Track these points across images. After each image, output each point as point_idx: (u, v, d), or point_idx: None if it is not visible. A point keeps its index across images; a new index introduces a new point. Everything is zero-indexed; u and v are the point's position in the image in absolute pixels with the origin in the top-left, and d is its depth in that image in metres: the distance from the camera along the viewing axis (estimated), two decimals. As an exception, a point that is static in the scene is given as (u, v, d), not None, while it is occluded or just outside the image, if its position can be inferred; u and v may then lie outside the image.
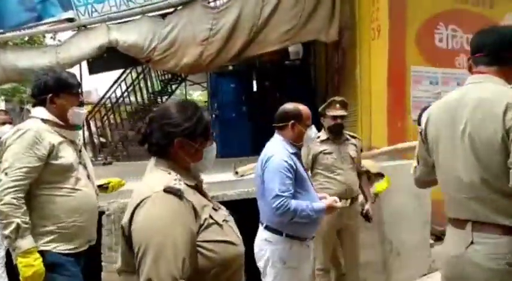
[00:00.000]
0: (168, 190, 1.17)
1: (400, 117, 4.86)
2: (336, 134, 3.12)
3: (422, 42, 4.95)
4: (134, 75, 9.84)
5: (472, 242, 1.49)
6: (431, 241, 4.44)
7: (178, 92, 17.58)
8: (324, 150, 3.11)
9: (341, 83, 6.04)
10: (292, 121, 2.32)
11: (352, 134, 3.35)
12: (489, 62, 1.58)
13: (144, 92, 9.83)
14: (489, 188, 1.47)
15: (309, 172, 3.18)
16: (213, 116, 8.80)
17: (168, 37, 4.74)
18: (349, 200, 3.04)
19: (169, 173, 1.26)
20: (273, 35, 4.79)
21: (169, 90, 9.87)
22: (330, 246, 3.13)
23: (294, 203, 2.12)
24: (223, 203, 3.86)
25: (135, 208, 1.17)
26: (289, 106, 2.41)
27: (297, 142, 2.37)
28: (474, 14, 5.34)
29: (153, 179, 1.26)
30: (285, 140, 2.35)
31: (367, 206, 3.24)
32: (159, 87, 9.77)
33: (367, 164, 3.35)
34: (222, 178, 4.06)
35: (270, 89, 8.08)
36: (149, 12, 4.95)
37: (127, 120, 9.47)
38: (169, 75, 9.32)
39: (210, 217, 1.25)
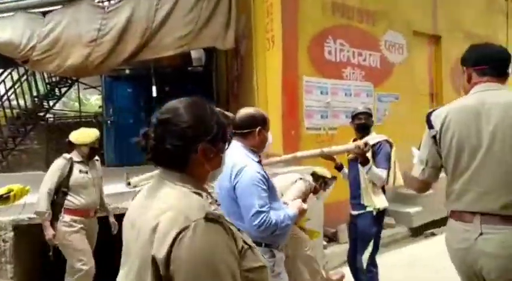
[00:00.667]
0: (211, 217, 0.96)
1: (295, 125, 5.03)
2: None
3: (313, 54, 5.19)
4: (16, 76, 8.84)
5: (482, 234, 1.69)
6: (325, 243, 4.65)
7: (73, 96, 16.36)
8: None
9: (240, 91, 6.09)
10: (259, 127, 2.09)
11: None
12: (495, 73, 1.82)
13: (28, 95, 8.88)
14: (504, 174, 1.69)
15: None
16: (108, 122, 8.32)
17: (49, 36, 4.31)
18: None
19: (198, 194, 1.05)
20: (168, 40, 4.64)
21: (58, 94, 9.04)
22: None
23: (273, 216, 1.91)
24: (115, 216, 3.60)
25: (173, 242, 0.92)
26: (252, 111, 2.17)
27: (259, 149, 2.14)
28: (359, 29, 5.77)
29: (178, 200, 1.01)
30: (245, 147, 2.08)
31: None
32: (45, 91, 8.90)
33: (319, 170, 3.26)
34: (113, 190, 3.81)
35: (170, 95, 7.79)
36: (27, 9, 4.45)
37: (6, 126, 8.45)
38: (57, 78, 8.54)
39: (244, 241, 1.05)
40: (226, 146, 1.19)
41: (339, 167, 3.43)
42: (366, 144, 2.98)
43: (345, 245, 3.95)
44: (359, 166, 3.08)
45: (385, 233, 5.22)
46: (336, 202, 4.25)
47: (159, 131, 1.07)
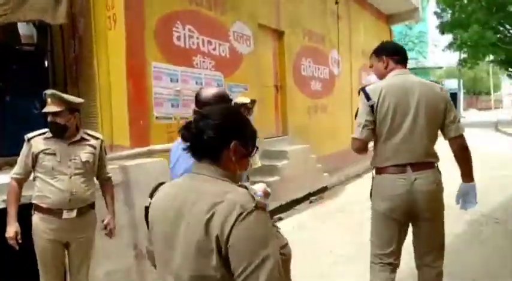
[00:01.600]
0: (260, 206, 1.13)
1: (143, 114, 4.65)
2: (56, 135, 2.56)
3: (161, 38, 4.87)
4: None
5: (416, 179, 2.29)
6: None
7: None
8: (46, 149, 2.53)
9: (79, 74, 5.37)
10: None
11: (92, 133, 2.81)
12: (404, 61, 2.52)
13: None
14: (427, 136, 2.32)
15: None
16: None
17: None
18: (75, 211, 2.55)
19: (241, 186, 1.20)
20: (-21, 9, 3.74)
21: None
22: (54, 264, 2.59)
23: None
24: None
25: (234, 224, 1.09)
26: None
27: None
28: (208, 17, 5.67)
29: (228, 192, 1.15)
30: None
31: (106, 220, 2.80)
32: None
33: (238, 99, 2.90)
34: None
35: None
36: None
37: None
38: None
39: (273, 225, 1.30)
40: (254, 153, 1.34)
41: None
42: None
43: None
44: None
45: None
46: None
47: (200, 125, 1.23)
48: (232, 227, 1.08)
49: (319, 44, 8.73)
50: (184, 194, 1.21)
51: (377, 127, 2.35)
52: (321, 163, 7.40)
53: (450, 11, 22.69)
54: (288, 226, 5.21)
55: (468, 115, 32.39)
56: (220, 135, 1.23)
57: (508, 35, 22.09)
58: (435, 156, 2.39)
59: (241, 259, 1.08)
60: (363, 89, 2.43)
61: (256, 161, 3.32)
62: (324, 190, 7.24)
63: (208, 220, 1.11)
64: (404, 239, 2.44)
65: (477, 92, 50.95)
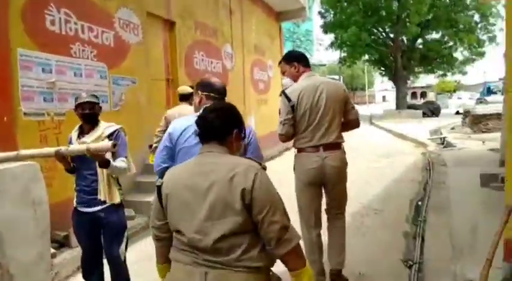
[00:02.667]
0: (263, 167, 1.60)
1: (7, 110, 3.96)
2: None
3: (30, 22, 4.20)
4: None
5: (326, 157, 3.02)
6: (53, 250, 3.89)
7: None
8: None
9: None
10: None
11: None
12: (309, 65, 3.21)
13: None
14: (334, 124, 3.05)
15: None
16: None
17: None
18: None
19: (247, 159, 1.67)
20: None
21: None
22: None
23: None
24: None
25: (254, 180, 1.51)
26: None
27: None
28: (88, 1, 5.08)
29: (240, 160, 1.62)
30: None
31: None
32: None
33: None
34: None
35: None
36: None
37: None
38: None
39: None
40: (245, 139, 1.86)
41: (72, 170, 2.96)
42: (114, 145, 2.65)
43: (78, 249, 3.40)
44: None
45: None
46: (66, 200, 3.59)
47: (211, 116, 1.68)
48: (253, 182, 1.51)
49: (211, 37, 8.54)
50: (204, 166, 1.60)
51: (297, 121, 3.03)
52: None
53: (332, 12, 24.40)
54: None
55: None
56: (226, 125, 1.68)
57: (381, 37, 24.58)
58: (341, 138, 3.15)
59: (263, 203, 1.51)
60: (284, 92, 3.06)
61: (131, 167, 3.10)
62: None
63: (231, 178, 1.51)
64: (321, 200, 3.22)
65: (354, 88, 55.97)
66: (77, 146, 2.75)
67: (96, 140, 2.82)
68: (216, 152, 1.63)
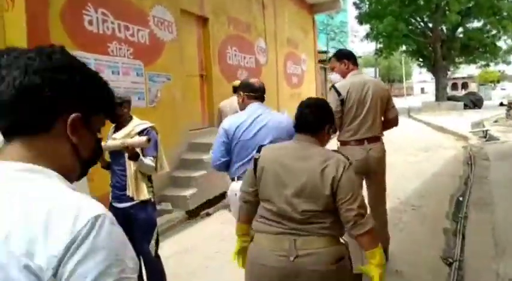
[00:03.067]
0: (350, 163, 1.87)
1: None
2: None
3: (69, 22, 4.36)
4: None
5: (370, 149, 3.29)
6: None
7: None
8: None
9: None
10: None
11: None
12: (357, 64, 3.49)
13: None
14: (378, 119, 3.33)
15: None
16: None
17: None
18: None
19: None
20: None
21: None
22: None
23: None
24: None
25: (343, 172, 1.79)
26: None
27: None
28: (123, 1, 5.20)
29: (332, 153, 1.89)
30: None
31: None
32: None
33: None
34: None
35: None
36: None
37: None
38: None
39: None
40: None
41: (107, 167, 3.08)
42: (149, 140, 2.77)
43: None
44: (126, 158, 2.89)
45: (162, 219, 5.00)
46: (106, 194, 3.71)
47: (306, 112, 1.95)
48: (342, 174, 1.77)
49: (244, 32, 8.55)
50: (301, 152, 1.88)
51: (344, 114, 3.26)
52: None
53: (368, 2, 23.79)
54: (216, 223, 5.05)
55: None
56: (319, 120, 1.93)
57: (419, 27, 23.74)
58: (381, 132, 3.44)
59: (347, 191, 1.77)
60: (334, 87, 3.31)
61: (164, 165, 3.17)
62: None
63: (324, 169, 1.79)
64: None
65: (391, 80, 54.57)
66: (112, 141, 2.83)
67: (126, 136, 2.88)
68: (309, 143, 1.90)
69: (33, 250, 0.66)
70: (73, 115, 0.80)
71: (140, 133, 2.93)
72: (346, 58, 3.42)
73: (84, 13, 4.56)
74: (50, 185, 0.75)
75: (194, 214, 5.41)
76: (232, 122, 2.59)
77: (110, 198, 3.07)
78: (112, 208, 3.06)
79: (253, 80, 2.77)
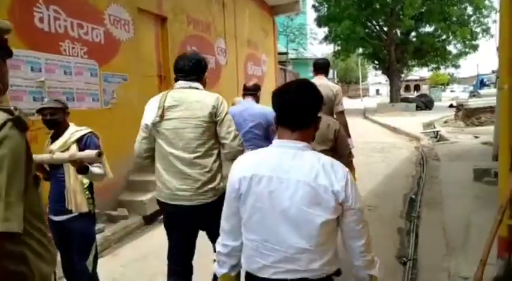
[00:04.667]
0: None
1: (-5, 109, 3.89)
2: None
3: (18, 20, 4.11)
4: None
5: None
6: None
7: None
8: None
9: None
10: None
11: None
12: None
13: None
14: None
15: None
16: None
17: None
18: None
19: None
20: None
21: None
22: None
23: None
24: None
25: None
26: None
27: None
28: (77, -2, 5.00)
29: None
30: None
31: None
32: None
33: None
34: None
35: None
36: None
37: None
38: None
39: None
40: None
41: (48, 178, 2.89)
42: (100, 154, 2.57)
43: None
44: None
45: (119, 226, 4.85)
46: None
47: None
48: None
49: (204, 32, 8.46)
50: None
51: None
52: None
53: (326, 5, 24.30)
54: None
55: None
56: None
57: (375, 30, 24.54)
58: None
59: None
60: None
61: (108, 171, 2.99)
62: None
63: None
64: None
65: (348, 81, 55.99)
66: (59, 154, 2.65)
67: (62, 146, 2.73)
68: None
69: None
70: None
71: (78, 141, 2.76)
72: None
73: (35, 10, 4.33)
74: None
75: (151, 220, 5.26)
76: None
77: (47, 211, 2.89)
78: (49, 222, 2.86)
79: (249, 81, 3.71)
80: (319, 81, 4.13)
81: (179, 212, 2.55)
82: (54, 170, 2.80)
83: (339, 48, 26.00)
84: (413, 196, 5.83)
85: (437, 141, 10.83)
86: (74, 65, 4.86)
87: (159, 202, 2.66)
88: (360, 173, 7.05)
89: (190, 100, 2.52)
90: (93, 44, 5.19)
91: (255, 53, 11.62)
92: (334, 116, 4.30)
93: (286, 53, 22.89)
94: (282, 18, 22.30)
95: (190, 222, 2.61)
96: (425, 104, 24.03)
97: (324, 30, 25.98)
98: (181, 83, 2.62)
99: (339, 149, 3.12)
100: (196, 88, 2.62)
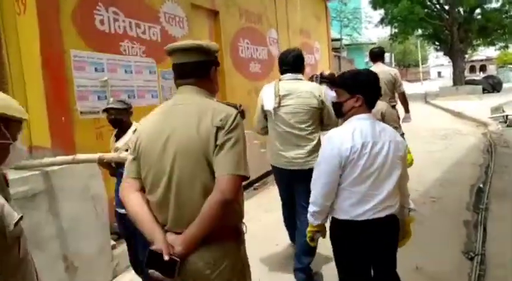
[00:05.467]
0: None
1: (64, 110, 4.16)
2: None
3: (80, 23, 4.34)
4: None
5: None
6: (113, 242, 4.09)
7: None
8: None
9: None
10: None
11: None
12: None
13: None
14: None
15: None
16: None
17: None
18: None
19: None
20: None
21: None
22: None
23: None
24: None
25: None
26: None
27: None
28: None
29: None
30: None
31: None
32: None
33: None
34: None
35: None
36: None
37: None
38: None
39: None
40: None
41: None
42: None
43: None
44: None
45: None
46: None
47: None
48: None
49: (256, 23, 8.45)
50: None
51: None
52: (265, 148, 7.26)
53: (382, -14, 23.28)
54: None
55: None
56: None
57: (435, 10, 23.16)
58: None
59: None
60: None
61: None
62: (267, 174, 7.14)
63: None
64: None
65: (406, 65, 53.58)
66: (125, 153, 2.81)
67: (126, 144, 2.87)
68: None
69: None
70: None
71: None
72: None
73: (95, 13, 4.55)
74: None
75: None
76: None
77: (114, 203, 3.06)
78: (116, 214, 3.04)
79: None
80: (378, 68, 4.67)
81: (292, 174, 3.29)
82: (120, 167, 2.95)
83: (396, 30, 24.90)
84: (480, 186, 5.49)
85: (507, 126, 10.08)
86: (134, 63, 5.07)
87: (275, 168, 3.46)
88: (422, 161, 6.80)
89: (301, 90, 3.19)
90: (150, 43, 5.38)
91: (307, 41, 11.43)
92: (396, 98, 5.14)
93: (340, 39, 22.31)
94: (335, 3, 21.71)
95: (294, 180, 3.33)
96: (492, 86, 22.37)
97: (380, 13, 24.97)
98: (289, 75, 3.31)
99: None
100: (301, 79, 3.32)
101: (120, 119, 2.96)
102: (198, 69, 1.80)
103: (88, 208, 3.60)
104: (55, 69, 4.08)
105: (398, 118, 4.42)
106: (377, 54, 5.04)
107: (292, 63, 3.31)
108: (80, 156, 3.13)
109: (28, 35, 4.00)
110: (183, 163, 1.61)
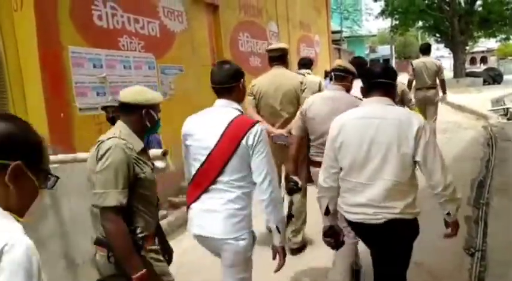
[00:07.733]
0: None
1: (63, 106, 4.14)
2: None
3: (78, 18, 4.30)
4: None
5: None
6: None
7: None
8: None
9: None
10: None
11: None
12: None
13: None
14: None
15: None
16: None
17: None
18: None
19: None
20: None
21: None
22: None
23: None
24: None
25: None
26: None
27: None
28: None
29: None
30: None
31: None
32: None
33: None
34: None
35: None
36: None
37: None
38: None
39: None
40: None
41: None
42: (165, 153, 2.78)
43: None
44: None
45: (180, 211, 5.01)
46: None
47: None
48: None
49: (256, 17, 8.39)
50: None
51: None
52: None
53: (382, -22, 23.11)
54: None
55: (403, 79, 33.75)
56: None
57: (435, 1, 22.99)
58: None
59: None
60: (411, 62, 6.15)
61: (170, 164, 3.10)
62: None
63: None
64: None
65: (407, 57, 53.33)
66: None
67: None
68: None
69: None
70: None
71: None
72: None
73: (93, 8, 4.50)
74: None
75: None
76: None
77: None
78: None
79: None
80: (426, 59, 6.68)
81: None
82: None
83: (397, 22, 24.76)
84: (481, 180, 5.48)
85: (508, 119, 10.05)
86: (133, 59, 5.03)
87: None
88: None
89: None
90: (149, 38, 5.33)
91: (307, 35, 11.37)
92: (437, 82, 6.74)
93: (340, 32, 22.18)
94: (335, -5, 21.56)
95: None
96: (493, 78, 22.27)
97: (380, 4, 24.82)
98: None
99: (404, 101, 4.81)
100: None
101: (118, 117, 2.93)
102: None
103: (89, 204, 3.59)
104: (53, 65, 4.05)
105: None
106: (426, 49, 6.93)
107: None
108: (81, 155, 3.10)
109: (25, 31, 3.96)
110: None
